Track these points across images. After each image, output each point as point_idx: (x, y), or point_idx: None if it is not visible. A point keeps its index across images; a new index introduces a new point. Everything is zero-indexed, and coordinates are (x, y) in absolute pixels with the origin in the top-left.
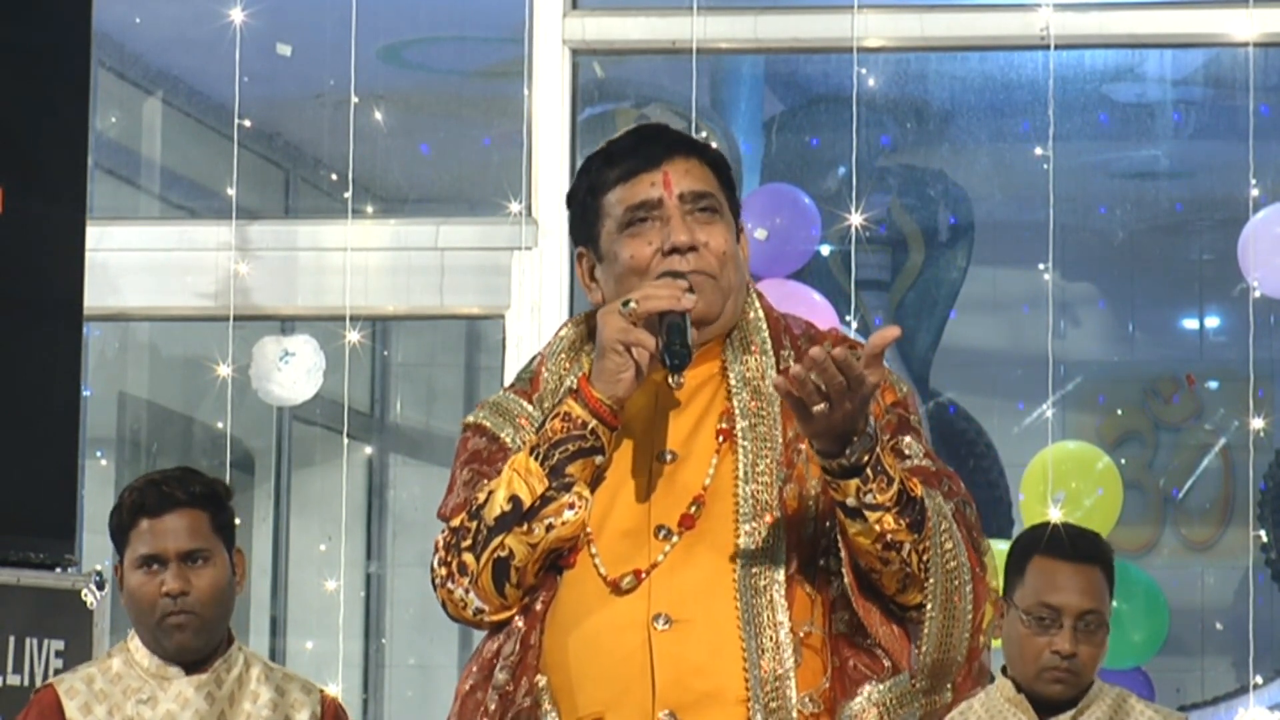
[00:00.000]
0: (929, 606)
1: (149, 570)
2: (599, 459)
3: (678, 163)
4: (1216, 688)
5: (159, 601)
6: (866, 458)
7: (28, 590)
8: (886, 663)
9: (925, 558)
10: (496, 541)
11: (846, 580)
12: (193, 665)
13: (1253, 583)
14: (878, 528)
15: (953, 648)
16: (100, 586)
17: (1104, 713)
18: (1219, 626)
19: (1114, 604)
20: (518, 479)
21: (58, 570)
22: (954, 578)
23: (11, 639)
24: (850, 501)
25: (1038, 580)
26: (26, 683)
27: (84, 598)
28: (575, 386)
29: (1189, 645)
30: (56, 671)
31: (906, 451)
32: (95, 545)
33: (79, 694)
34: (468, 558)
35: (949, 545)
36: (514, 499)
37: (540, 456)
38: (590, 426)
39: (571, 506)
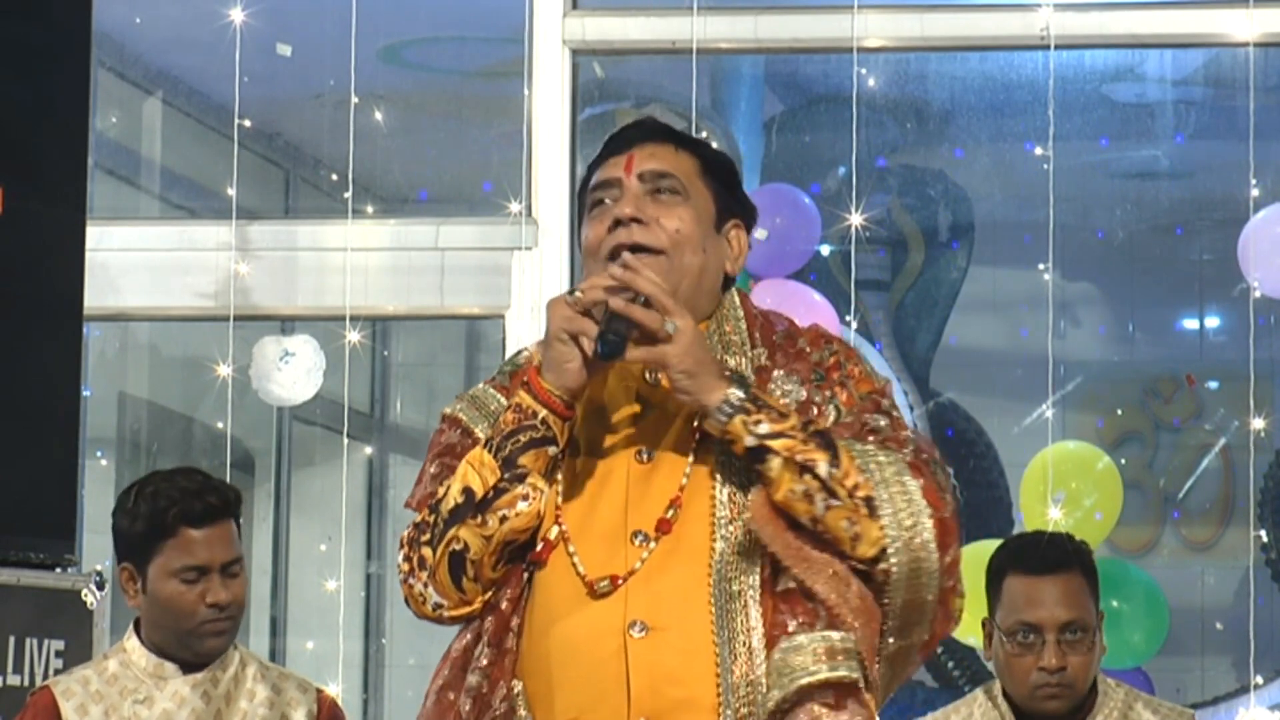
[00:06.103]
0: (886, 526)
1: (188, 579)
2: (552, 450)
3: (648, 147)
4: (1216, 688)
5: (200, 610)
6: (742, 394)
7: (28, 590)
8: (821, 613)
9: (850, 483)
10: (450, 534)
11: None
12: (189, 664)
13: (1253, 583)
14: (784, 453)
15: (921, 587)
16: (100, 586)
17: None
18: (1219, 626)
19: (1115, 604)
20: (471, 471)
21: (58, 570)
22: (903, 502)
23: (11, 639)
24: (749, 440)
25: (1013, 599)
26: (26, 683)
27: (84, 598)
28: (526, 378)
29: (1189, 645)
30: (56, 672)
31: (871, 424)
32: (95, 545)
33: (75, 695)
34: (426, 551)
35: (883, 458)
36: (466, 490)
37: (494, 448)
38: (541, 416)
39: (525, 498)
